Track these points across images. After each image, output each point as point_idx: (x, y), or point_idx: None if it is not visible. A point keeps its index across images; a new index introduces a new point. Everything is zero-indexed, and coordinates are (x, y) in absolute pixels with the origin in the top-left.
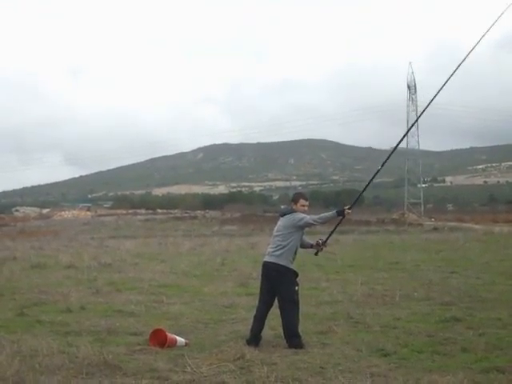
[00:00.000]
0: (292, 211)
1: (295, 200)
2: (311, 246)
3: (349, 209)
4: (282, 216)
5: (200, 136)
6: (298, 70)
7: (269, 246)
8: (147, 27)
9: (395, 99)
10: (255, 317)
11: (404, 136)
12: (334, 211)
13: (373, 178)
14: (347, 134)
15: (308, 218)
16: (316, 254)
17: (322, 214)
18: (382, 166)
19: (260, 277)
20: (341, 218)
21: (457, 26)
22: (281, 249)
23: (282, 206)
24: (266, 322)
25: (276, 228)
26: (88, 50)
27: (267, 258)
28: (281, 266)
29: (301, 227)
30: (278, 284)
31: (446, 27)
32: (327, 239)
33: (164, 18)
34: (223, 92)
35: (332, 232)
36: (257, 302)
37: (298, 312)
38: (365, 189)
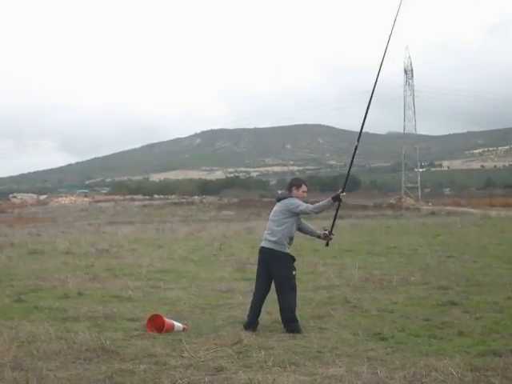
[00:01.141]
0: (288, 196)
1: (298, 185)
2: (318, 237)
3: (342, 192)
4: (278, 201)
5: (197, 122)
6: (292, 55)
7: (265, 231)
8: (142, 16)
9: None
10: (252, 302)
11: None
12: (330, 198)
13: (353, 158)
14: (344, 118)
15: (305, 206)
16: (327, 244)
17: (318, 204)
18: (358, 141)
19: (257, 262)
20: (337, 203)
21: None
22: (277, 234)
23: (279, 191)
24: (263, 307)
25: (272, 213)
26: (84, 36)
27: (264, 244)
28: (277, 251)
29: (296, 214)
30: (275, 269)
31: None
32: (332, 228)
33: (159, 7)
34: (219, 77)
35: (334, 219)
36: (253, 288)
37: (295, 297)
38: (349, 170)
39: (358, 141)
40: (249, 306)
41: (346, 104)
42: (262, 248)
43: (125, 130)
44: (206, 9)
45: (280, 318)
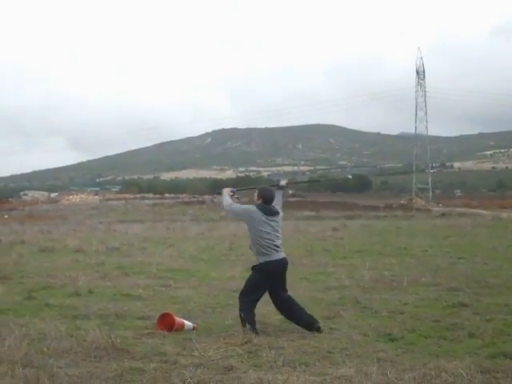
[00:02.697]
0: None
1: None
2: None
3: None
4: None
5: (208, 121)
6: (304, 54)
7: (277, 240)
8: (151, 12)
9: (404, 84)
10: (251, 310)
11: None
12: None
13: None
14: (355, 119)
15: None
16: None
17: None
18: None
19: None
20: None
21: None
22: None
23: (290, 191)
24: (272, 307)
25: (279, 223)
26: (96, 35)
27: (284, 255)
28: None
29: None
30: (284, 278)
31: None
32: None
33: (168, 4)
34: (230, 77)
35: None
36: (253, 297)
37: None
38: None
39: None
40: (247, 315)
41: (358, 104)
42: (285, 259)
43: (136, 128)
44: (218, 7)
45: (301, 322)
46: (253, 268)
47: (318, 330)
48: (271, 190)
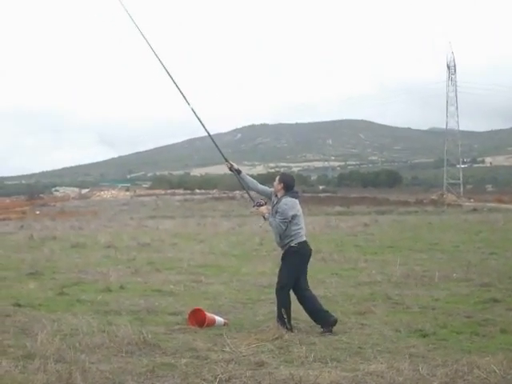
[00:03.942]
0: None
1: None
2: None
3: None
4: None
5: (238, 116)
6: (333, 50)
7: (303, 227)
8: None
9: (434, 79)
10: (288, 302)
11: None
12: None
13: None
14: (385, 114)
15: None
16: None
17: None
18: None
19: (304, 258)
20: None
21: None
22: None
23: (321, 187)
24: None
25: (301, 210)
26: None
27: (306, 238)
28: None
29: None
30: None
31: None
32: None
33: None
34: (260, 72)
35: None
36: (289, 286)
37: None
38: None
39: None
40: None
41: (388, 100)
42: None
43: (166, 124)
44: (248, 4)
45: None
46: (286, 253)
47: (334, 323)
48: (291, 175)
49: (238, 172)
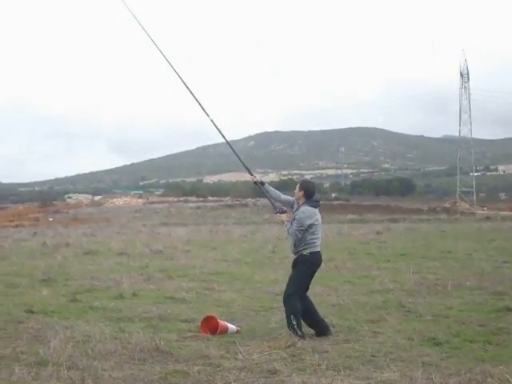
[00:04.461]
0: None
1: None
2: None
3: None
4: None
5: (251, 124)
6: (344, 57)
7: (319, 237)
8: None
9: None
10: (299, 314)
11: None
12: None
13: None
14: (398, 122)
15: None
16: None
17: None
18: None
19: (312, 268)
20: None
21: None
22: None
23: (334, 195)
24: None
25: (320, 220)
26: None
27: (319, 249)
28: None
29: None
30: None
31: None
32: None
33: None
34: (272, 79)
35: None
36: (298, 294)
37: None
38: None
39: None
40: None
41: (401, 107)
42: (320, 253)
43: (179, 131)
44: (260, 10)
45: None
46: (297, 260)
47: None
48: (313, 181)
49: (262, 183)
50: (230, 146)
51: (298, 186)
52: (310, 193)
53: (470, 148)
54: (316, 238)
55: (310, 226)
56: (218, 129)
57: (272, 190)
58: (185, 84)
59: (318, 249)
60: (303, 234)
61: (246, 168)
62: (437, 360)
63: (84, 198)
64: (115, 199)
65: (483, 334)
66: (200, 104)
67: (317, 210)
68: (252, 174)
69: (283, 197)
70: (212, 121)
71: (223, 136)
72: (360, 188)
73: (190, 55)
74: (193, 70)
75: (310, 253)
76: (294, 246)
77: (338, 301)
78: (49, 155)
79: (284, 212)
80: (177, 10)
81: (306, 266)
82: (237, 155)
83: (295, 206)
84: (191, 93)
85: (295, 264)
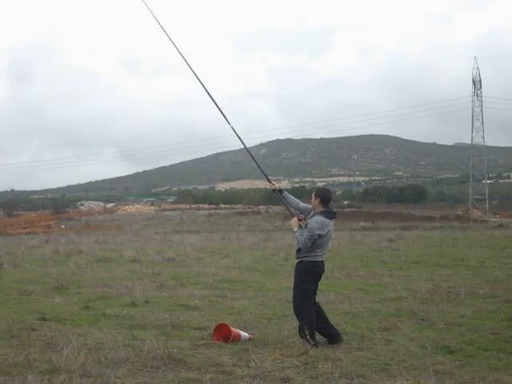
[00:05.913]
0: None
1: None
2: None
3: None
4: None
5: (263, 131)
6: (357, 65)
7: (324, 249)
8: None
9: (459, 94)
10: (313, 322)
11: None
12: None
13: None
14: (410, 129)
15: None
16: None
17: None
18: None
19: (313, 278)
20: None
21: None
22: None
23: (346, 202)
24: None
25: (331, 232)
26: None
27: (323, 258)
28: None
29: None
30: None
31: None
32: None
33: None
34: (285, 88)
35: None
36: (310, 301)
37: None
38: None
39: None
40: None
41: (413, 115)
42: (323, 262)
43: (191, 139)
44: (270, 16)
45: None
46: (297, 266)
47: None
48: (329, 190)
49: (281, 191)
50: (251, 155)
51: (313, 193)
52: (325, 200)
53: (482, 155)
54: (321, 248)
55: (319, 236)
56: (239, 136)
57: (291, 197)
58: (207, 92)
59: (321, 259)
60: (313, 243)
61: (265, 175)
62: (450, 368)
63: (96, 205)
64: (127, 207)
65: (496, 342)
66: (221, 112)
67: (331, 222)
68: (270, 182)
69: (302, 205)
70: (233, 128)
71: (243, 143)
72: (372, 195)
73: (202, 56)
74: (202, 75)
75: (311, 261)
76: (298, 251)
77: (350, 308)
78: (62, 162)
79: (300, 219)
80: (194, 13)
81: (304, 273)
82: (257, 164)
83: (312, 214)
84: (213, 100)
85: (295, 271)
